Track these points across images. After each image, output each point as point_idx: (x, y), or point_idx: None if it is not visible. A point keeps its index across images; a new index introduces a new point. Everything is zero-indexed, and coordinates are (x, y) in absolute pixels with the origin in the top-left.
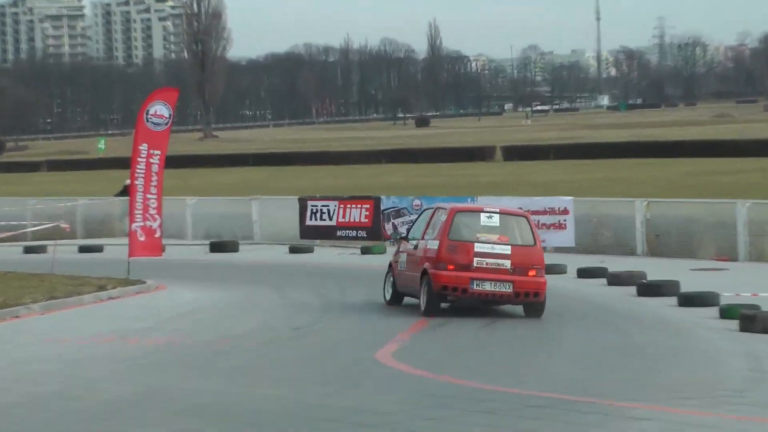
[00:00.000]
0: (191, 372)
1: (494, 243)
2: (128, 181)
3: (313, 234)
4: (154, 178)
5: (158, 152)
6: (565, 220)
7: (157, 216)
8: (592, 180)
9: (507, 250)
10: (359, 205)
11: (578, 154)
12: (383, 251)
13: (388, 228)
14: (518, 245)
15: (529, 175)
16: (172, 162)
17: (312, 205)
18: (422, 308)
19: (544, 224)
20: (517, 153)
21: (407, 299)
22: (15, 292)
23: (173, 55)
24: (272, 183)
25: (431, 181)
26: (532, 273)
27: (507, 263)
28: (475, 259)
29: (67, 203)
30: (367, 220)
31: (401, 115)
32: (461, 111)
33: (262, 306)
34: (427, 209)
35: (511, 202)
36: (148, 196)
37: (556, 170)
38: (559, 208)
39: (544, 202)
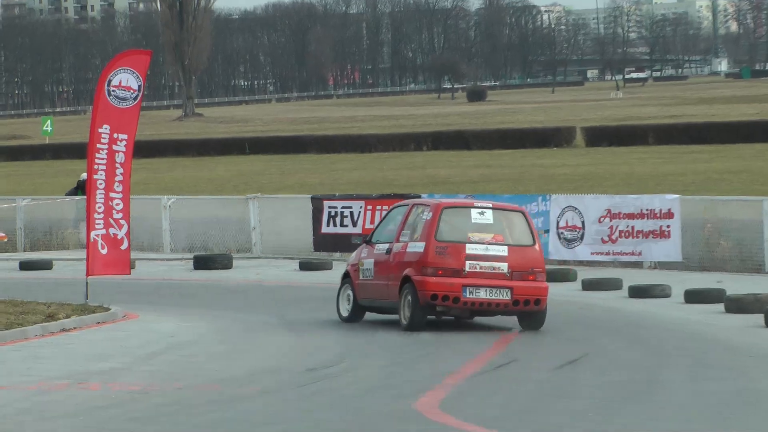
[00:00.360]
0: (170, 428)
1: (488, 243)
2: (85, 175)
3: (331, 245)
4: (120, 170)
5: (125, 136)
6: (668, 226)
7: (123, 222)
8: (706, 172)
9: (503, 251)
10: None
11: (686, 137)
12: None
13: None
14: (515, 245)
15: (621, 165)
16: (144, 149)
17: (330, 207)
18: (404, 323)
19: (640, 231)
20: (604, 136)
21: (369, 315)
22: None
23: (141, 6)
24: (276, 177)
25: (489, 174)
26: (531, 278)
27: (504, 266)
28: (467, 262)
29: (3, 205)
30: None
31: (448, 85)
32: (529, 80)
33: (264, 341)
34: (397, 206)
35: (597, 202)
36: (112, 194)
37: (656, 159)
38: (661, 210)
39: (640, 202)
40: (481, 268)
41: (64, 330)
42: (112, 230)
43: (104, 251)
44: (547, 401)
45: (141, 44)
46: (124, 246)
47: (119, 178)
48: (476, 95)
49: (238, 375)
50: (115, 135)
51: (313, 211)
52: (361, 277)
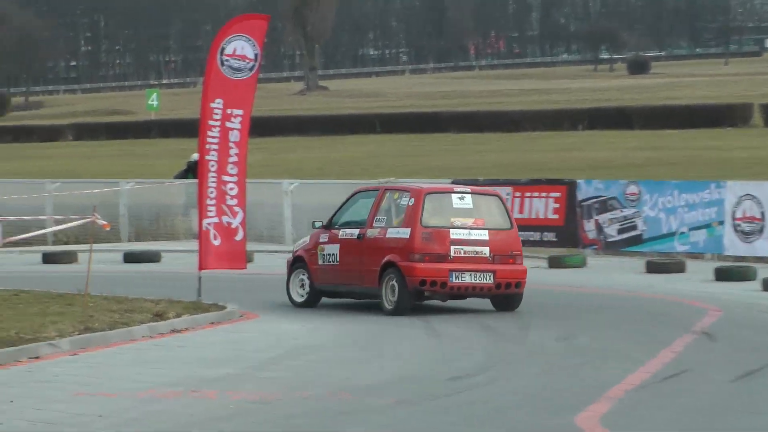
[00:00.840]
0: None
1: (470, 228)
2: (196, 156)
3: None
4: (234, 150)
5: (240, 112)
6: None
7: (238, 209)
8: None
9: (484, 235)
10: (545, 194)
11: None
12: (582, 263)
13: (589, 227)
14: (495, 229)
15: None
16: (261, 126)
17: None
18: (389, 308)
19: None
20: None
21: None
22: (33, 321)
23: None
24: (410, 159)
25: (654, 157)
26: (511, 261)
27: (486, 250)
28: (452, 247)
29: (105, 189)
30: (557, 216)
31: (606, 56)
32: (698, 50)
33: (399, 345)
34: (360, 191)
35: None
36: (225, 178)
37: None
38: None
39: None
40: (465, 252)
41: (174, 331)
42: (225, 218)
43: (217, 242)
44: (725, 417)
45: (257, 9)
46: (239, 236)
47: (233, 159)
48: (638, 67)
49: (371, 383)
50: (229, 110)
51: None
52: (320, 262)
